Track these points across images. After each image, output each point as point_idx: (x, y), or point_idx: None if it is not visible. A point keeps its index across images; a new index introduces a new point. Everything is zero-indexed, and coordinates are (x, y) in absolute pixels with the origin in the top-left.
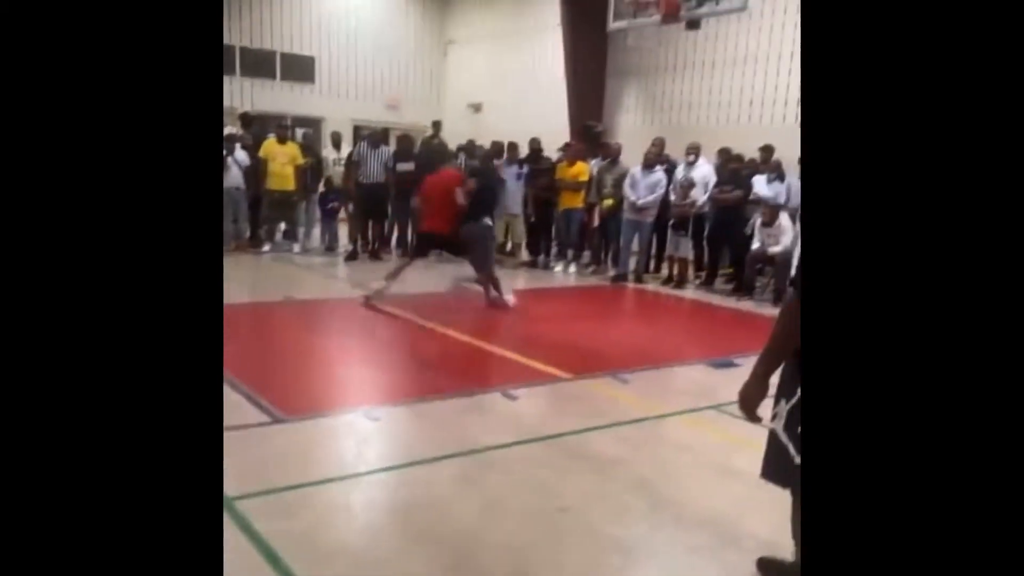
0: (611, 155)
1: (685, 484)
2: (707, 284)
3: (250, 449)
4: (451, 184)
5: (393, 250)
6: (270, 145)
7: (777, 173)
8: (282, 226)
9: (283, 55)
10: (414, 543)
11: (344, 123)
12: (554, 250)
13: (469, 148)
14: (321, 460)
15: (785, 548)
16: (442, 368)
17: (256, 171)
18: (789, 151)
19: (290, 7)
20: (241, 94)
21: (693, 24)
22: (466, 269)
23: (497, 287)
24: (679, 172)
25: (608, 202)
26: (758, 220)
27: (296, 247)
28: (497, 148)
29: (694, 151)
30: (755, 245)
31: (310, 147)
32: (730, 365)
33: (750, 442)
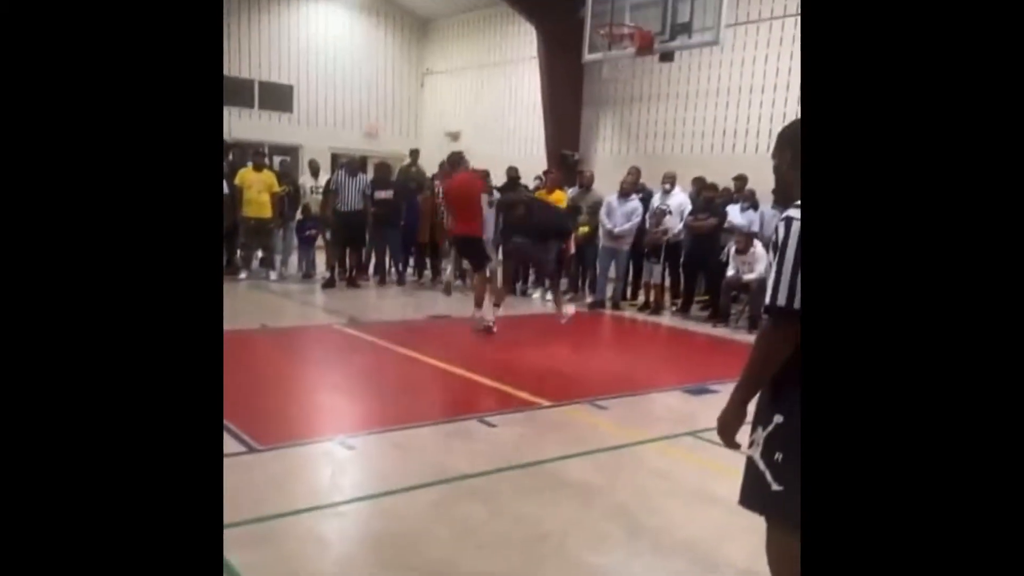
0: (585, 183)
1: (663, 511)
2: (683, 311)
3: (224, 479)
4: (475, 190)
5: (371, 277)
6: (246, 173)
7: (750, 202)
8: (259, 254)
9: (261, 83)
10: (389, 573)
11: (322, 151)
12: (531, 278)
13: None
14: (296, 490)
15: (763, 575)
16: (419, 395)
17: (233, 199)
18: (762, 180)
19: (268, 36)
20: None
21: (667, 57)
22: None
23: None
24: (655, 200)
25: (583, 229)
26: (732, 248)
27: (273, 275)
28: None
29: (670, 180)
30: (730, 272)
31: (287, 175)
32: (707, 391)
33: (727, 469)
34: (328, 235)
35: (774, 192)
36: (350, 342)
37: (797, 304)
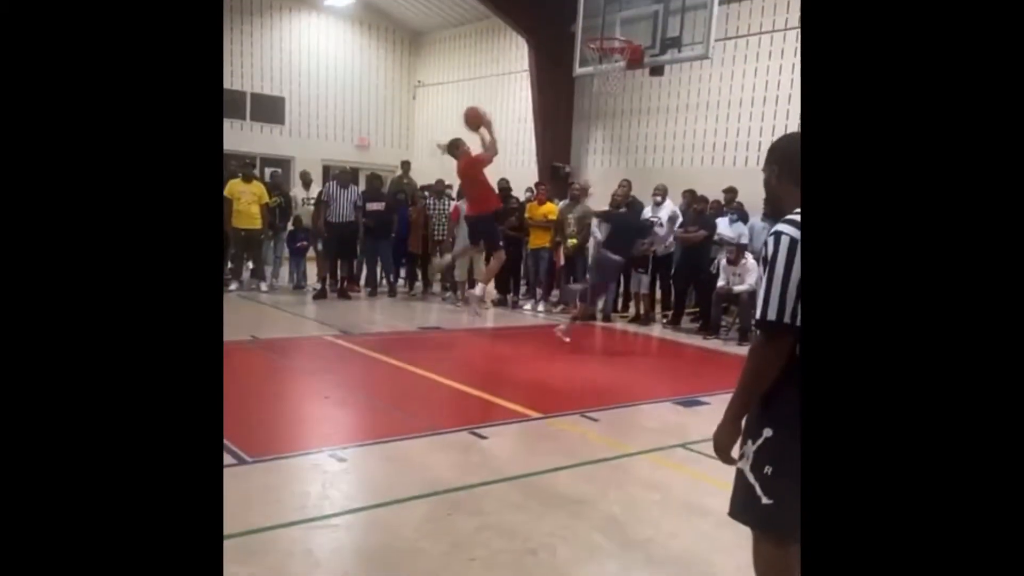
0: (575, 195)
1: (654, 523)
2: (674, 323)
3: None
4: (475, 169)
5: (362, 289)
6: (235, 184)
7: (740, 214)
8: (249, 265)
9: (253, 95)
10: None
11: (314, 163)
12: (523, 289)
13: (438, 188)
14: (286, 502)
15: None
16: (410, 407)
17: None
18: (751, 193)
19: (260, 48)
20: None
21: (657, 71)
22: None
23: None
24: (646, 212)
25: (572, 242)
26: (723, 259)
27: (263, 286)
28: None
29: (661, 192)
30: (720, 282)
31: (278, 186)
32: (698, 403)
33: (718, 481)
34: (319, 246)
35: (764, 204)
36: (341, 353)
37: (787, 318)
